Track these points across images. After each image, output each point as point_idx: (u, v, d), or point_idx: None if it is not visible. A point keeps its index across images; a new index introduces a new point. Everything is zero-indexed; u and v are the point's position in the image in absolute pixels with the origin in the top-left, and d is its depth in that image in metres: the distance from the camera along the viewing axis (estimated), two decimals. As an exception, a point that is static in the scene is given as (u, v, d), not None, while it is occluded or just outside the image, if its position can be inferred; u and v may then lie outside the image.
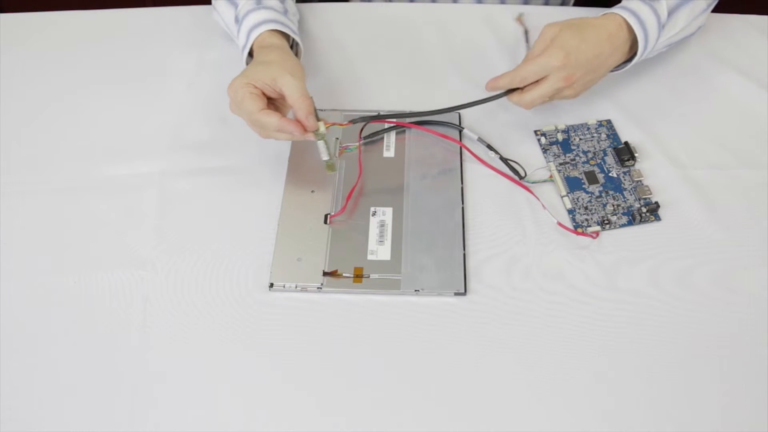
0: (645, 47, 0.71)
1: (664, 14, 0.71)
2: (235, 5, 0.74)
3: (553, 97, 0.70)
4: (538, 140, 0.73)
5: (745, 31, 0.83)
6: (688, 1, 0.73)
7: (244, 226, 0.67)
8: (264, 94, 0.65)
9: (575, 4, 0.90)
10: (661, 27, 0.71)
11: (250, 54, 0.72)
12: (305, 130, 0.64)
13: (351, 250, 0.65)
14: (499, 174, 0.70)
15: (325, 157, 0.66)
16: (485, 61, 0.80)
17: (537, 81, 0.68)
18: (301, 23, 0.85)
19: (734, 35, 0.83)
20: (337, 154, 0.72)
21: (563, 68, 0.67)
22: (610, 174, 0.70)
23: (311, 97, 0.65)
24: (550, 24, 0.70)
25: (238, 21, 0.73)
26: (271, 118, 0.64)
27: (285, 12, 0.75)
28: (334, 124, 0.67)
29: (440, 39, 0.83)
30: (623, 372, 0.58)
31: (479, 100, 0.70)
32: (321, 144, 0.66)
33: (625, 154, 0.70)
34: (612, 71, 0.74)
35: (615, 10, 0.71)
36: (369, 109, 0.76)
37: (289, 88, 0.64)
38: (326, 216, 0.67)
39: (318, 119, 0.65)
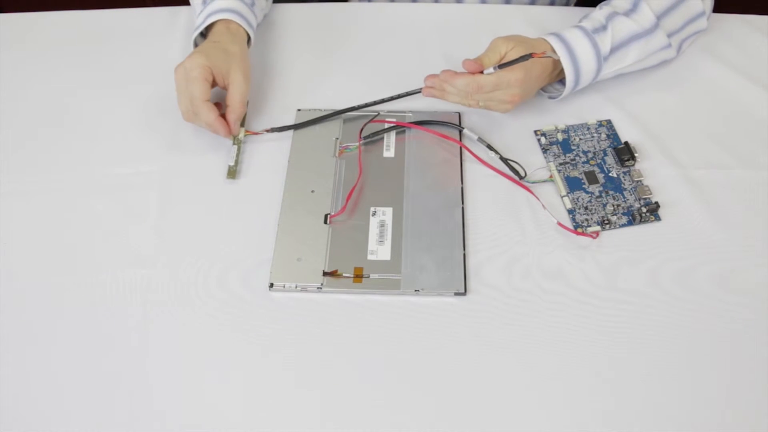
0: (577, 79, 0.71)
1: (606, 47, 0.71)
2: None
3: (490, 107, 0.71)
4: (538, 140, 0.73)
5: (745, 31, 0.83)
6: (641, 36, 0.72)
7: (244, 226, 0.67)
8: (213, 80, 0.69)
9: (577, 5, 0.90)
10: (603, 60, 0.71)
11: (202, 36, 0.74)
12: (230, 131, 0.70)
13: (351, 250, 0.65)
14: (499, 174, 0.70)
15: (231, 162, 0.70)
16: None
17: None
18: (301, 23, 0.85)
19: (734, 35, 0.83)
20: (337, 154, 0.72)
21: (517, 86, 0.68)
22: (610, 174, 0.70)
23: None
24: (502, 38, 0.70)
25: (205, 1, 0.74)
26: (210, 114, 0.68)
27: (252, 5, 0.76)
28: (252, 132, 0.73)
29: (444, 40, 0.83)
30: (623, 372, 0.58)
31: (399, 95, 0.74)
32: (234, 149, 0.70)
33: (625, 154, 0.70)
34: (549, 98, 0.75)
35: (548, 37, 0.71)
36: (369, 109, 0.75)
37: (236, 88, 0.69)
38: (326, 216, 0.67)
39: (241, 125, 0.70)
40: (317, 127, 0.74)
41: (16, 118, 0.77)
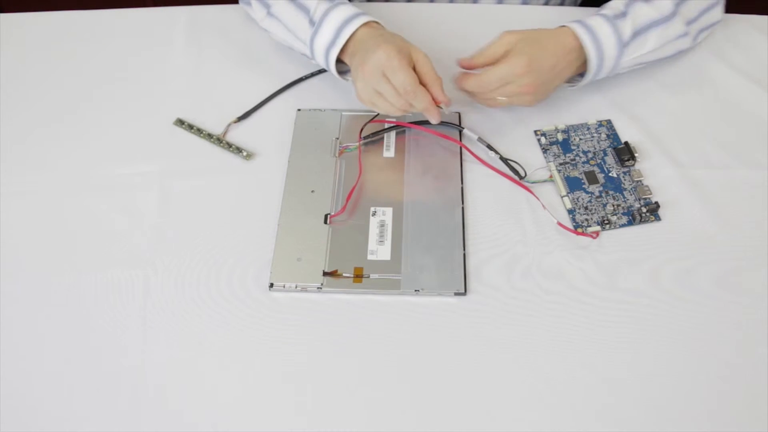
0: (600, 65, 0.71)
1: (626, 33, 0.70)
2: (307, 10, 0.72)
3: (513, 102, 0.70)
4: (538, 140, 0.73)
5: (745, 31, 0.83)
6: (660, 23, 0.72)
7: (244, 226, 0.67)
8: None
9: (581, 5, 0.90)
10: (623, 45, 0.71)
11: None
12: (437, 103, 0.68)
13: (351, 250, 0.65)
14: (499, 174, 0.70)
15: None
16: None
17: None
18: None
19: (734, 35, 0.83)
20: (337, 154, 0.72)
21: (526, 75, 0.67)
22: (610, 174, 0.70)
23: None
24: (508, 31, 0.69)
25: (315, 23, 0.71)
26: (427, 97, 0.66)
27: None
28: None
29: (437, 39, 0.83)
30: (623, 372, 0.58)
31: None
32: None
33: (625, 154, 0.70)
34: (568, 87, 0.75)
35: (570, 24, 0.71)
36: (366, 110, 0.75)
37: (424, 64, 0.67)
38: (326, 216, 0.67)
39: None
40: (317, 128, 0.74)
41: (16, 118, 0.77)
